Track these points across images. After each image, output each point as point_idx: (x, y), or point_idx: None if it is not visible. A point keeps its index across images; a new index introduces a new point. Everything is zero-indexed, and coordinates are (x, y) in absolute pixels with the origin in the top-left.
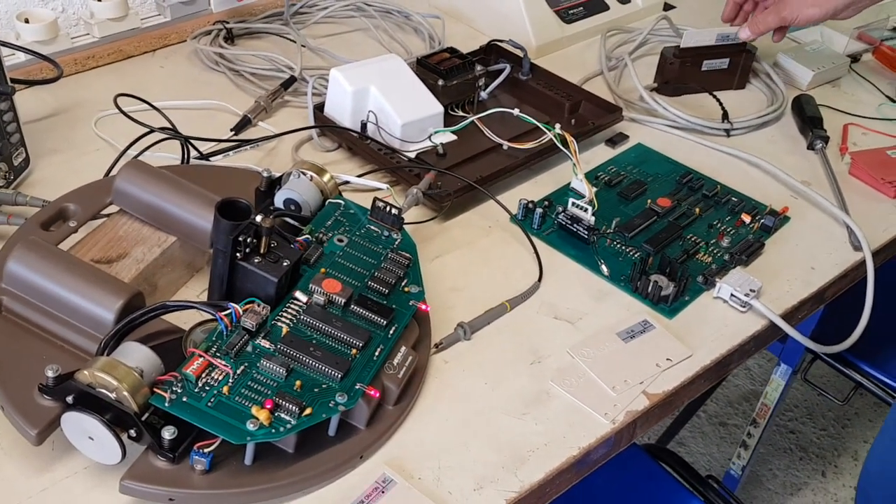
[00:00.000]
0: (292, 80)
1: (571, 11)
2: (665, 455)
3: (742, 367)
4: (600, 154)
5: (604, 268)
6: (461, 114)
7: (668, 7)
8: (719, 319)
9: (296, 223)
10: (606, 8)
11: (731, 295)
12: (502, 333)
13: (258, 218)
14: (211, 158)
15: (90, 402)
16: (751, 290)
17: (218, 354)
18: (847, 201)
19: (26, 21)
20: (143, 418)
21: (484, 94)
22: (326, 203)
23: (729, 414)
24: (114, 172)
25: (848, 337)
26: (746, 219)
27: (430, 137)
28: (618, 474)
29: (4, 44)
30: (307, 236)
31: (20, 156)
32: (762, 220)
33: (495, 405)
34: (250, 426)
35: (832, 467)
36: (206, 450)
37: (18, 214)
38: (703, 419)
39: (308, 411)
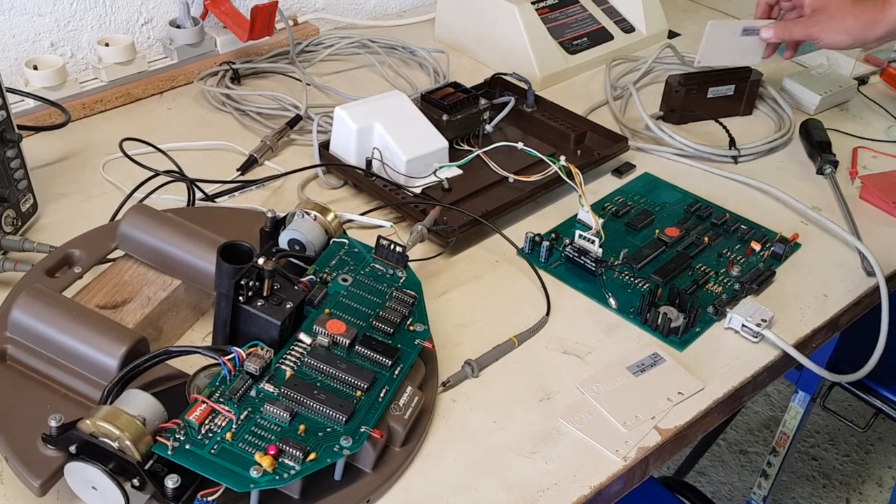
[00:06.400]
0: (298, 118)
1: (576, 42)
2: (683, 488)
3: (762, 394)
4: (607, 184)
5: (612, 301)
6: (466, 148)
7: (672, 35)
8: (731, 351)
9: (301, 263)
10: (611, 38)
11: (743, 325)
12: (510, 370)
13: (260, 261)
14: (217, 199)
15: (93, 451)
16: (762, 320)
17: (221, 400)
18: (858, 226)
19: (35, 68)
20: (147, 467)
21: (489, 128)
22: (331, 242)
23: (749, 441)
24: (119, 216)
25: (865, 363)
26: (756, 247)
27: (435, 172)
28: None
29: (12, 91)
30: (311, 277)
31: (28, 201)
32: (772, 248)
33: (504, 444)
34: (254, 473)
35: (857, 494)
36: (209, 498)
37: (25, 261)
38: (724, 447)
39: (312, 456)
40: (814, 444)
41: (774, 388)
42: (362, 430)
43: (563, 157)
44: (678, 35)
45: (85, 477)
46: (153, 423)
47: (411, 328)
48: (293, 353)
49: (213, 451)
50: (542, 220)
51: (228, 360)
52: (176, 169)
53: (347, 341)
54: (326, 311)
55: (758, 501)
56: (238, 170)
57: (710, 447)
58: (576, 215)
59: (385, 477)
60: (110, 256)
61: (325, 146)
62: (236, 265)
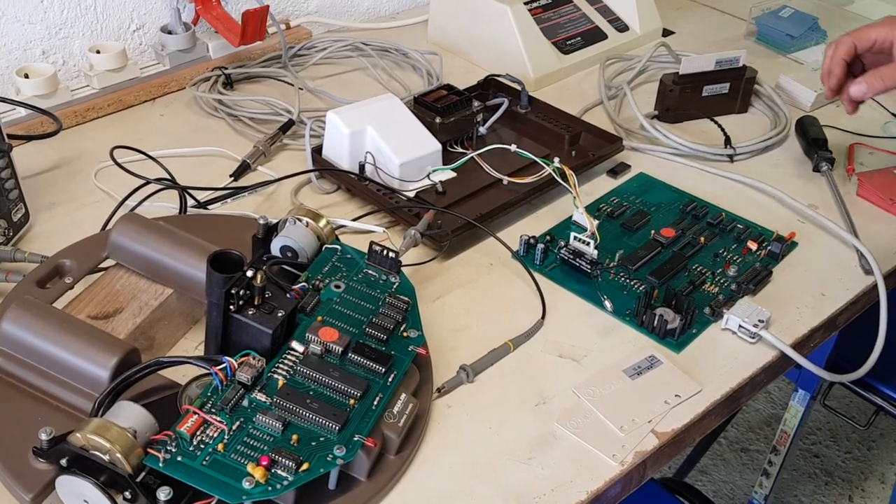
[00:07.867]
0: (290, 123)
1: (569, 42)
2: (683, 489)
3: (762, 391)
4: (602, 185)
5: (607, 304)
6: (460, 150)
7: (666, 33)
8: (728, 352)
9: (293, 270)
10: (604, 37)
11: (740, 326)
12: (506, 374)
13: (249, 273)
14: (210, 206)
15: (84, 464)
16: (759, 321)
17: (213, 410)
18: (856, 224)
19: (26, 76)
20: (138, 479)
21: (482, 130)
22: (323, 248)
23: (750, 439)
24: (110, 225)
25: (864, 362)
26: (753, 246)
27: (428, 176)
28: None
29: (3, 100)
30: (303, 284)
31: (19, 211)
32: (769, 247)
33: (500, 450)
34: (246, 484)
35: (859, 491)
36: None
37: (17, 271)
38: (725, 445)
39: (305, 466)
40: (815, 441)
41: (775, 384)
42: (356, 438)
43: (557, 159)
44: (672, 33)
45: (76, 490)
46: (144, 436)
47: (405, 334)
48: (285, 361)
49: (204, 463)
50: (537, 223)
51: (220, 370)
52: (167, 176)
53: (340, 349)
54: (319, 318)
55: (759, 500)
56: (231, 176)
57: (710, 446)
58: (570, 217)
59: (380, 486)
60: (102, 266)
61: (318, 151)
62: (227, 274)
